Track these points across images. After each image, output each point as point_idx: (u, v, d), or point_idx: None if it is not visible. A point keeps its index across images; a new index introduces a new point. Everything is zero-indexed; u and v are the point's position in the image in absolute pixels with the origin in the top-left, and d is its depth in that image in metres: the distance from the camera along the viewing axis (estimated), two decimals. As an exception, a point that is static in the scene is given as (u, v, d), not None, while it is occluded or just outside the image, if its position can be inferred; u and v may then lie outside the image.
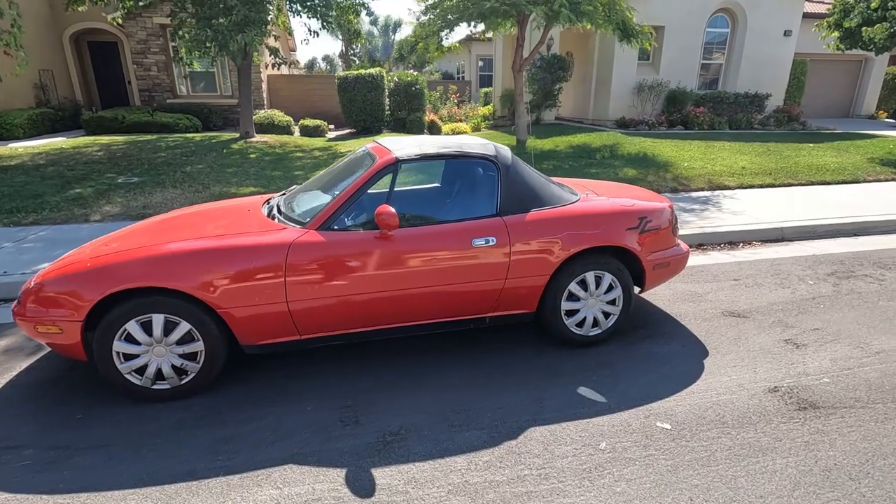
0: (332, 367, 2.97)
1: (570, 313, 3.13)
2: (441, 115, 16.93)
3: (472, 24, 10.80)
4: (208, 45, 9.46)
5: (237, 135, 12.09)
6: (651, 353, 3.13)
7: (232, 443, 2.34)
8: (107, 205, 6.35)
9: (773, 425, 2.45)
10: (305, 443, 2.33)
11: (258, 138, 11.91)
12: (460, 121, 16.37)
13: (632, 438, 2.36)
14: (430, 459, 2.22)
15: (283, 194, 3.42)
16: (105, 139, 11.11)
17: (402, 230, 2.76)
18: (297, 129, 14.17)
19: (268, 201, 3.32)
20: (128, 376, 2.55)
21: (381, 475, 2.13)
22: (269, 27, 10.15)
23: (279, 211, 3.01)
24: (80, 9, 10.81)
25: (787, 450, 2.27)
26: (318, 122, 13.91)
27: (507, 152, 3.06)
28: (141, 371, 2.57)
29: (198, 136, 12.15)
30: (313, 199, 3.03)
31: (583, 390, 2.75)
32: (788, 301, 3.90)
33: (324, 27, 11.53)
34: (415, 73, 15.50)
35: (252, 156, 9.89)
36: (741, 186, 7.75)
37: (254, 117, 13.54)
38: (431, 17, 10.76)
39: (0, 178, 7.46)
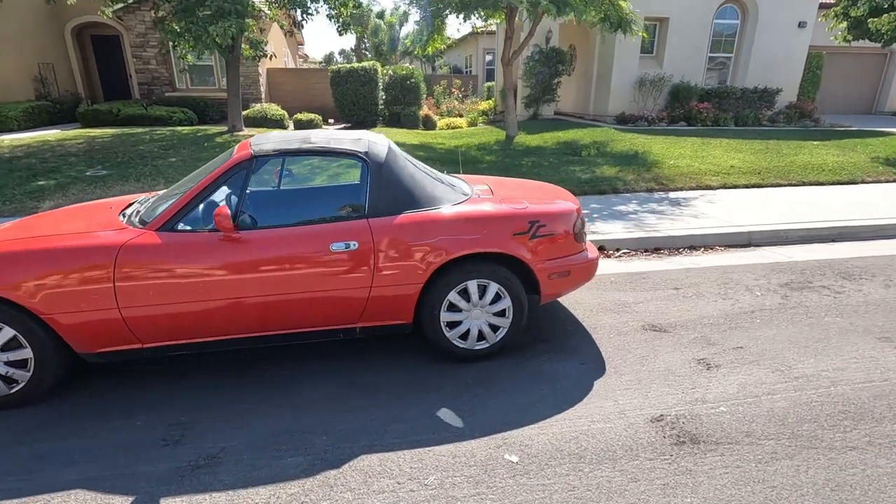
0: (181, 379, 2.78)
1: (453, 325, 2.88)
2: (441, 110, 16.66)
3: (459, 16, 10.49)
4: (186, 36, 9.41)
5: (224, 129, 12.06)
6: (540, 371, 2.85)
7: (43, 461, 2.17)
8: (62, 198, 6.32)
9: (636, 462, 2.15)
10: (111, 464, 2.15)
11: (245, 132, 11.86)
12: (460, 115, 16.06)
13: (468, 472, 2.09)
14: (231, 489, 2.01)
15: (156, 194, 3.23)
16: (95, 132, 11.21)
17: (253, 232, 2.55)
18: (291, 124, 14.10)
19: (139, 200, 3.14)
20: (-48, 383, 2.41)
21: (169, 505, 1.93)
22: (249, 20, 10.04)
23: (137, 211, 2.83)
24: (70, 2, 10.91)
25: (640, 493, 1.98)
26: (312, 116, 13.79)
27: (380, 148, 2.81)
28: (-34, 378, 2.42)
29: (186, 129, 12.17)
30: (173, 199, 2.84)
31: (443, 412, 2.49)
32: (723, 314, 3.55)
33: (304, 18, 11.38)
34: (410, 67, 15.23)
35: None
36: (724, 186, 7.28)
37: (248, 111, 13.55)
38: (416, 8, 10.51)
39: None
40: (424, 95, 15.58)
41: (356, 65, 13.73)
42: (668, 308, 3.66)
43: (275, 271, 2.54)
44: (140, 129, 11.80)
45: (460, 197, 2.94)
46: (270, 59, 12.65)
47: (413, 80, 14.35)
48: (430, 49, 12.53)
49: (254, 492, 1.99)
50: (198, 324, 2.54)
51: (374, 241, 2.62)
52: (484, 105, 16.84)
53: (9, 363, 2.44)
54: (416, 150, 9.78)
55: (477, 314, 2.87)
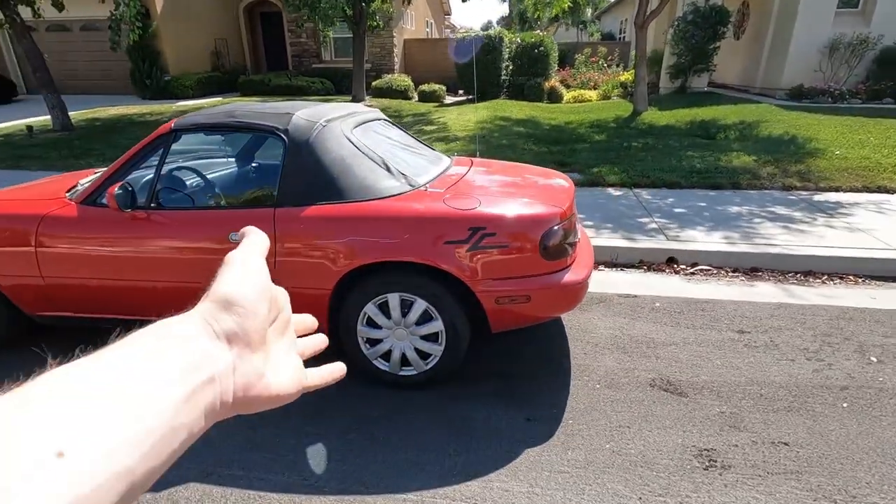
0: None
1: (375, 342, 2.40)
2: (578, 81, 15.24)
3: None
4: (303, 10, 9.88)
5: (349, 98, 12.61)
6: (464, 420, 2.22)
7: None
8: None
9: None
10: None
11: (367, 102, 12.24)
12: (594, 87, 14.49)
13: (277, 540, 1.67)
14: None
15: None
16: (244, 99, 12.62)
17: (156, 213, 2.37)
18: (416, 95, 14.20)
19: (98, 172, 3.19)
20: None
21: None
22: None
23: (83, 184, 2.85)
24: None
25: None
26: (436, 86, 13.70)
27: (306, 125, 2.36)
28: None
29: (316, 98, 13.01)
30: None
31: (313, 450, 2.07)
32: (790, 383, 2.42)
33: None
34: (540, 35, 14.07)
35: (342, 119, 10.18)
36: (912, 190, 5.22)
37: (377, 81, 13.99)
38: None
39: (132, 130, 9.00)
40: (555, 65, 14.35)
41: (480, 33, 13.12)
42: (707, 359, 2.65)
43: (172, 255, 2.35)
44: (279, 97, 12.97)
45: (404, 188, 2.39)
46: (408, 29, 12.73)
47: (542, 48, 13.27)
48: (556, 10, 11.32)
49: None
50: (112, 299, 2.49)
51: (275, 235, 2.25)
52: (626, 76, 14.91)
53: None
54: (516, 126, 9.01)
55: (401, 334, 2.34)
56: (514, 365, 2.64)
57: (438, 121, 9.85)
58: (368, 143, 2.55)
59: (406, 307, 2.29)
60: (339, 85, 15.33)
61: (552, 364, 2.64)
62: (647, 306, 3.25)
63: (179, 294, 2.39)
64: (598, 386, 2.45)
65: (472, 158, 3.31)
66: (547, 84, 13.33)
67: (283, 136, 2.34)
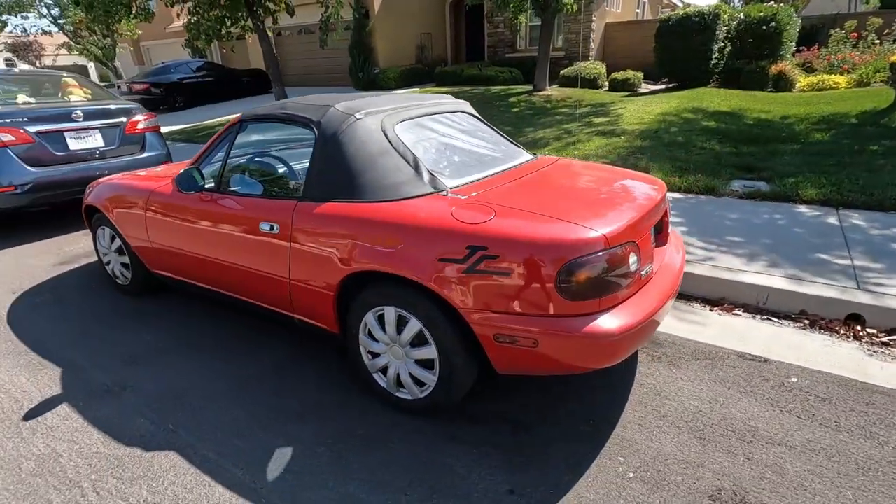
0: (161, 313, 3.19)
1: (375, 355, 2.21)
2: (826, 63, 12.03)
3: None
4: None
5: (530, 87, 12.30)
6: (441, 470, 1.87)
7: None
8: None
9: None
10: (93, 359, 2.73)
11: (547, 92, 11.77)
12: (848, 71, 11.23)
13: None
14: None
15: None
16: (436, 90, 13.41)
17: (219, 196, 2.57)
18: (606, 83, 13.11)
19: None
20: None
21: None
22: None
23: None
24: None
25: None
26: (629, 74, 12.41)
27: (341, 117, 2.23)
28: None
29: (497, 88, 13.03)
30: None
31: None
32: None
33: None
34: (773, 7, 11.37)
35: (514, 110, 10.00)
36: None
37: (564, 70, 13.37)
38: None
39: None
40: (791, 45, 11.53)
41: (691, 10, 11.27)
42: (831, 486, 1.73)
43: (219, 235, 2.54)
44: (466, 88, 13.38)
45: (424, 191, 2.11)
46: (612, 11, 11.84)
47: (773, 24, 10.79)
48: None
49: (90, 433, 2.17)
50: (190, 267, 2.83)
51: (292, 227, 2.23)
52: (902, 55, 11.14)
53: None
54: (708, 120, 7.53)
55: (397, 353, 2.10)
56: (534, 412, 2.15)
57: (614, 112, 8.88)
58: (412, 139, 2.34)
59: (403, 324, 2.04)
60: (529, 74, 15.04)
61: (585, 424, 2.07)
62: (776, 379, 2.32)
63: (235, 273, 2.57)
64: (631, 475, 1.82)
65: (558, 159, 2.81)
66: (774, 68, 10.81)
67: (315, 128, 2.28)
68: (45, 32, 21.95)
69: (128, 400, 2.36)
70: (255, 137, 2.74)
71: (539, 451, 1.96)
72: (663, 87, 12.44)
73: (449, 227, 1.86)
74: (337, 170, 2.19)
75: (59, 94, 5.38)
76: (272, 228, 2.30)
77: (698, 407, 2.16)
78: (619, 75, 12.53)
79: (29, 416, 2.28)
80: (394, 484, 1.83)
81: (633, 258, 1.86)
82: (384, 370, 2.19)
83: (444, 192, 2.09)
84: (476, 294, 1.81)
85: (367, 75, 15.32)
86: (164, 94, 14.44)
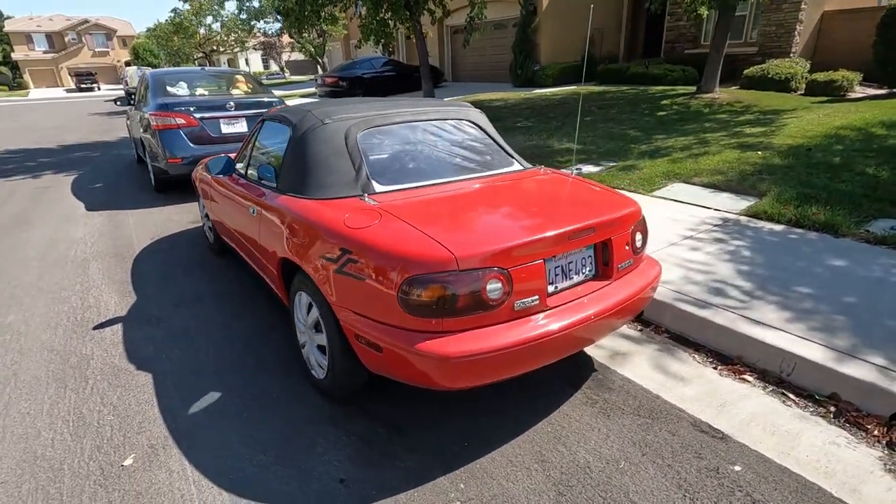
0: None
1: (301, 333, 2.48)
2: None
3: None
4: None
5: (694, 89, 10.94)
6: (293, 446, 2.06)
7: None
8: None
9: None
10: (159, 296, 3.56)
11: (713, 95, 10.36)
12: None
13: None
14: (123, 339, 2.99)
15: None
16: (591, 89, 12.85)
17: (238, 179, 3.12)
18: (803, 85, 10.92)
19: None
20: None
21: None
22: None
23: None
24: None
25: None
26: (836, 75, 10.19)
27: (312, 121, 2.49)
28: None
29: (659, 88, 11.89)
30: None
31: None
32: None
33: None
34: None
35: (659, 114, 9.11)
36: None
37: (748, 70, 11.57)
38: None
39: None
40: None
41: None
42: None
43: (236, 211, 3.08)
44: (625, 87, 12.51)
45: (349, 193, 2.27)
46: None
47: None
48: None
49: (118, 348, 2.90)
50: (233, 240, 3.47)
51: (260, 213, 2.62)
52: None
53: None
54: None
55: (310, 335, 2.33)
56: (422, 420, 2.17)
57: (781, 122, 7.46)
58: (373, 144, 2.52)
59: (310, 310, 2.27)
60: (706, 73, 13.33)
61: (458, 444, 2.03)
62: (714, 462, 1.91)
63: (243, 245, 3.10)
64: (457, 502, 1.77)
65: (550, 173, 2.67)
66: None
67: (291, 129, 2.62)
68: (279, 34, 27.03)
69: (154, 330, 3.07)
70: (272, 134, 3.21)
71: (395, 455, 2.01)
72: (885, 91, 9.86)
73: (335, 229, 2.02)
74: (296, 167, 2.49)
75: (229, 89, 6.78)
76: (252, 212, 2.73)
77: (589, 464, 1.93)
78: (821, 76, 10.35)
79: (97, 326, 3.14)
80: (262, 442, 2.10)
81: (494, 285, 1.77)
82: (304, 347, 2.45)
83: (362, 197, 2.23)
84: (343, 293, 1.94)
85: (526, 72, 15.35)
86: (347, 87, 16.65)
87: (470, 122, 2.93)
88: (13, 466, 2.01)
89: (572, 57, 15.95)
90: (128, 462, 2.02)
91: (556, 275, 2.00)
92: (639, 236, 2.26)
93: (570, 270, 2.05)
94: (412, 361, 1.77)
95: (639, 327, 2.93)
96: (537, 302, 1.88)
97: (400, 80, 17.60)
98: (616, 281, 2.16)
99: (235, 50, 34.08)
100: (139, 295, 3.55)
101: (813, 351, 2.38)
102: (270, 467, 1.97)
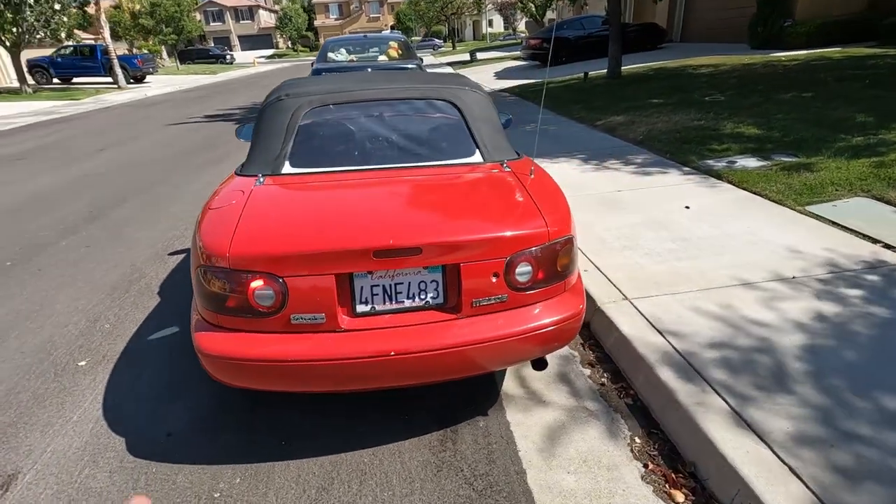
0: None
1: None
2: None
3: None
4: None
5: None
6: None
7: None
8: (615, 116, 7.03)
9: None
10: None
11: None
12: None
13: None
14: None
15: None
16: (856, 51, 9.62)
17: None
18: None
19: None
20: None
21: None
22: None
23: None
24: None
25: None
26: None
27: (273, 95, 2.49)
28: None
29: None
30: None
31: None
32: None
33: None
34: None
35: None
36: None
37: None
38: None
39: (653, 83, 9.22)
40: None
41: None
42: None
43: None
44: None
45: (265, 172, 2.28)
46: None
47: None
48: None
49: (166, 273, 3.59)
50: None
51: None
52: None
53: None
54: None
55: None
56: (279, 409, 2.15)
57: None
58: (316, 122, 2.47)
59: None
60: None
61: (277, 441, 1.96)
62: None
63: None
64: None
65: (508, 172, 2.21)
66: None
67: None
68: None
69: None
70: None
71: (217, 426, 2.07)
72: None
73: (204, 205, 2.09)
74: (251, 143, 2.60)
75: (382, 54, 7.26)
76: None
77: (361, 515, 1.66)
78: None
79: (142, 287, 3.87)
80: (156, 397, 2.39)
81: (264, 291, 1.60)
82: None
83: (260, 177, 2.22)
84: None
85: (770, 29, 12.23)
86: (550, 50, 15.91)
87: (450, 103, 2.57)
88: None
89: (845, 8, 11.98)
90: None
91: (375, 294, 1.70)
92: (524, 269, 1.71)
93: (398, 293, 1.71)
94: (197, 349, 1.78)
95: (601, 380, 2.27)
96: (323, 320, 1.64)
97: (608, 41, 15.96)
98: (468, 318, 1.71)
99: (473, 13, 35.67)
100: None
101: (793, 495, 1.50)
102: (142, 404, 2.26)
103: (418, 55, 7.59)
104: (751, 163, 4.68)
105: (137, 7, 30.23)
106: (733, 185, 4.18)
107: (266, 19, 64.19)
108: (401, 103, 2.55)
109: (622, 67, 10.44)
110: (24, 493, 1.80)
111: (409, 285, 1.71)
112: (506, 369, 2.29)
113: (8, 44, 18.32)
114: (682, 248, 3.12)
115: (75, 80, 23.24)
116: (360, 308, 1.69)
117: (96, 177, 6.46)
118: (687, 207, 3.77)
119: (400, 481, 1.77)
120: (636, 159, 5.12)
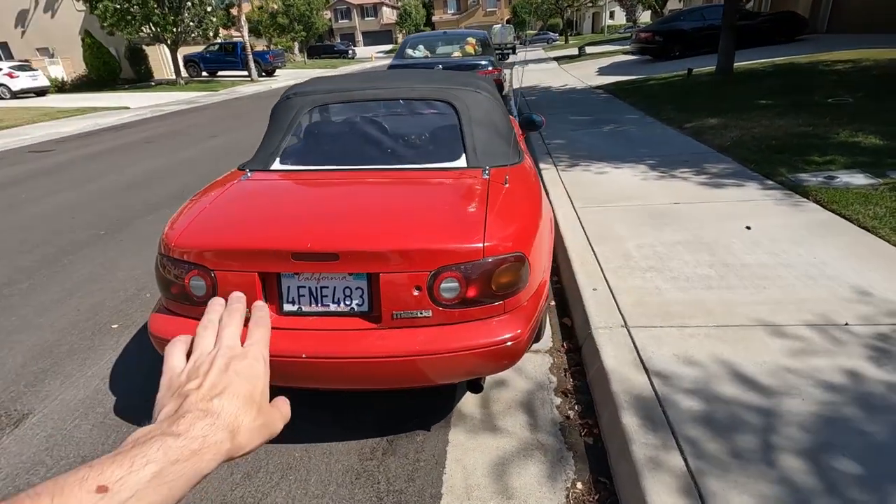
0: None
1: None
2: None
3: None
4: None
5: None
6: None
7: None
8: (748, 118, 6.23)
9: None
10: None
11: None
12: None
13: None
14: None
15: None
16: None
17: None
18: None
19: None
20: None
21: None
22: None
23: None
24: None
25: None
26: None
27: (283, 94, 2.63)
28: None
29: None
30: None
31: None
32: None
33: None
34: None
35: None
36: None
37: None
38: None
39: (769, 81, 8.10)
40: None
41: None
42: None
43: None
44: None
45: (255, 166, 2.41)
46: None
47: None
48: None
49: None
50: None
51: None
52: None
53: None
54: None
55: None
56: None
57: None
58: (316, 123, 2.56)
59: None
60: None
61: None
62: None
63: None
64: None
65: (481, 180, 2.11)
66: None
67: (279, 103, 2.84)
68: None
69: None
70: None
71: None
72: None
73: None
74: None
75: (457, 51, 7.24)
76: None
77: (270, 509, 1.70)
78: None
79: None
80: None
81: (197, 282, 1.69)
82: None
83: (247, 172, 2.34)
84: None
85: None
86: (662, 43, 14.64)
87: (448, 104, 2.50)
88: (90, 304, 3.21)
89: None
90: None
91: (302, 295, 1.71)
92: (449, 284, 1.61)
93: (323, 296, 1.70)
94: (149, 327, 1.94)
95: (568, 412, 2.07)
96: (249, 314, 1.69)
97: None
98: (388, 329, 1.65)
99: (591, 5, 34.08)
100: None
101: None
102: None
103: (516, 46, 7.44)
104: (856, 179, 3.93)
105: (276, 6, 33.52)
106: (819, 204, 3.54)
107: (388, 15, 67.33)
108: (401, 104, 2.53)
109: (738, 63, 9.30)
110: (25, 431, 2.12)
111: (335, 290, 1.70)
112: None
113: (169, 42, 21.46)
114: (720, 275, 2.72)
115: (220, 73, 26.41)
116: (287, 307, 1.72)
117: (195, 162, 7.30)
118: (748, 228, 3.27)
119: (317, 482, 1.78)
120: (712, 168, 4.54)
